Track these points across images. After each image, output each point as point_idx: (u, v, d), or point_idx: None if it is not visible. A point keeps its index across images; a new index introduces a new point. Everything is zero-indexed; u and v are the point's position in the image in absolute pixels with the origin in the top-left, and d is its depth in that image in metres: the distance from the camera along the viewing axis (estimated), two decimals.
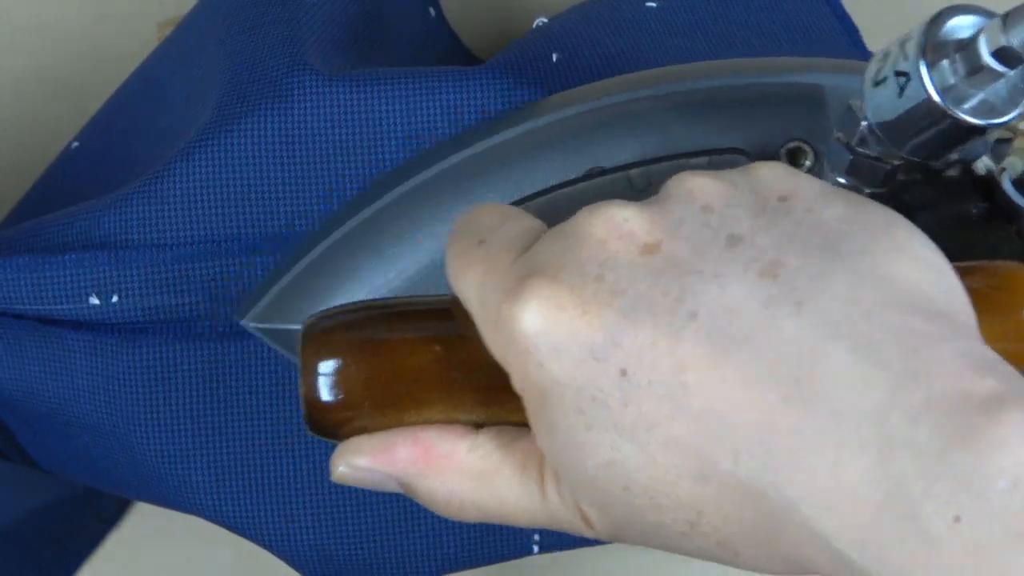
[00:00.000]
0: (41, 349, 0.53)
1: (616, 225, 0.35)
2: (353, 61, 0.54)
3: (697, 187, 0.36)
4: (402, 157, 0.52)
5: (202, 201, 0.52)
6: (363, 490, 0.54)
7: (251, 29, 0.54)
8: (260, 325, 0.51)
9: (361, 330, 0.39)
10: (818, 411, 0.32)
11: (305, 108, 0.52)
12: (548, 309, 0.35)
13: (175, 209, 0.52)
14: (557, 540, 0.55)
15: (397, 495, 0.54)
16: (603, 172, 0.49)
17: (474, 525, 0.55)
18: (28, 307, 0.52)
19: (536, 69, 0.53)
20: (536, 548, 0.55)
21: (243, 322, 0.52)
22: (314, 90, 0.52)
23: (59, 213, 0.53)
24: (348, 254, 0.51)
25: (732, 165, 0.47)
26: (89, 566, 0.66)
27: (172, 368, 0.52)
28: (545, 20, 0.57)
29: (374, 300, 0.42)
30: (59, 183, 0.59)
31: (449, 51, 0.64)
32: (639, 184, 0.49)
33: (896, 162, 0.44)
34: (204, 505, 0.53)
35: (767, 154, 0.48)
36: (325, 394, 0.39)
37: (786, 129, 0.49)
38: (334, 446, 0.53)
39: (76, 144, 0.60)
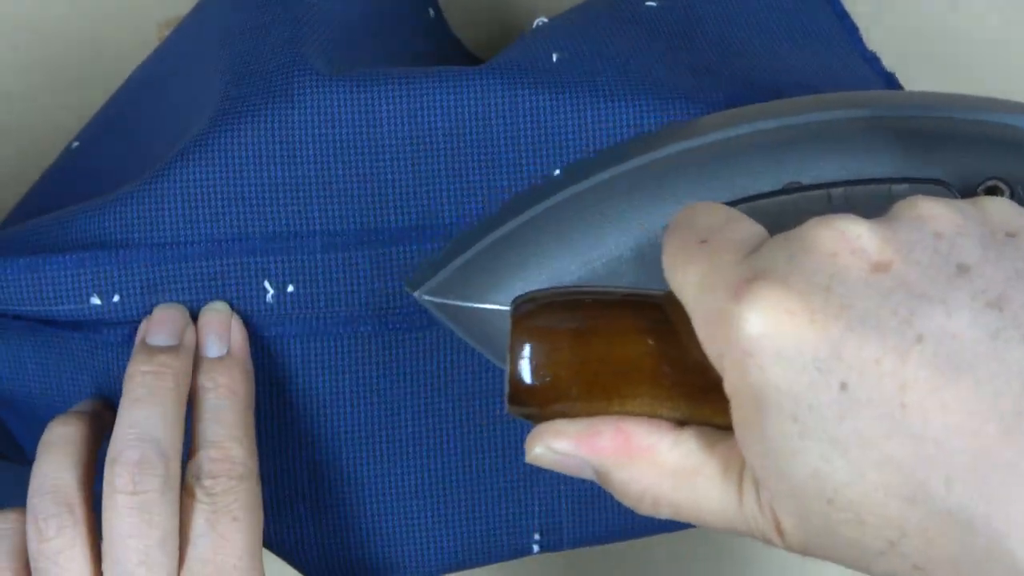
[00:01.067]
0: (42, 350, 0.53)
1: (848, 240, 0.36)
2: (353, 61, 0.54)
3: (929, 213, 0.36)
4: (402, 156, 0.52)
5: (203, 200, 0.52)
6: (362, 490, 0.54)
7: (251, 29, 0.54)
8: (435, 299, 0.51)
9: (575, 315, 0.40)
10: None
11: (305, 108, 0.52)
12: (776, 313, 0.35)
13: (176, 208, 0.52)
14: (557, 540, 0.55)
15: (397, 494, 0.54)
16: (801, 188, 0.49)
17: (474, 524, 0.55)
18: (28, 308, 0.52)
19: (536, 69, 0.53)
20: (536, 548, 0.55)
21: (416, 294, 0.51)
22: (314, 90, 0.52)
23: (59, 212, 0.53)
24: (535, 237, 0.50)
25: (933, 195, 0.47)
26: None
27: None
28: (545, 20, 0.57)
29: (585, 286, 0.42)
30: (59, 183, 0.59)
31: (449, 51, 0.64)
32: (838, 203, 0.49)
33: None
34: None
35: (965, 190, 0.48)
36: (533, 375, 0.39)
37: (984, 166, 0.49)
38: (333, 447, 0.54)
39: (76, 144, 0.60)
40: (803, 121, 0.50)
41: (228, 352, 0.51)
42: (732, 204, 0.49)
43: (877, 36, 0.57)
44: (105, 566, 0.47)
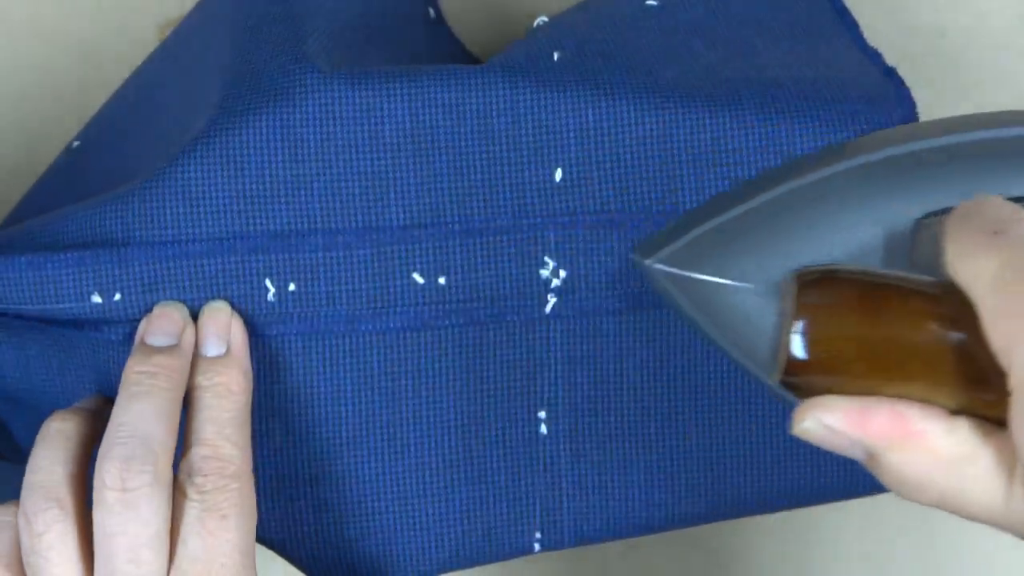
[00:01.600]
0: (43, 348, 0.53)
1: None
2: (353, 61, 0.54)
3: None
4: (403, 154, 0.52)
5: (204, 199, 0.52)
6: (363, 488, 0.54)
7: (252, 28, 0.54)
8: (669, 269, 0.50)
9: (861, 293, 0.40)
10: None
11: (306, 105, 0.52)
12: None
13: (177, 207, 0.52)
14: (558, 539, 0.55)
15: (397, 492, 0.54)
16: None
17: (475, 523, 0.55)
18: (29, 306, 0.52)
19: (537, 67, 0.53)
20: (538, 546, 0.55)
21: (648, 262, 0.50)
22: (315, 87, 0.52)
23: (60, 211, 0.53)
24: (776, 217, 0.50)
25: None
26: None
27: None
28: (546, 19, 0.57)
29: (865, 266, 0.42)
30: (59, 182, 0.59)
31: (449, 51, 0.64)
32: None
33: None
34: None
35: None
36: (813, 347, 0.39)
37: None
38: (333, 445, 0.53)
39: (77, 143, 0.60)
40: None
41: (227, 351, 0.51)
42: None
43: (878, 34, 0.57)
44: (96, 563, 0.47)
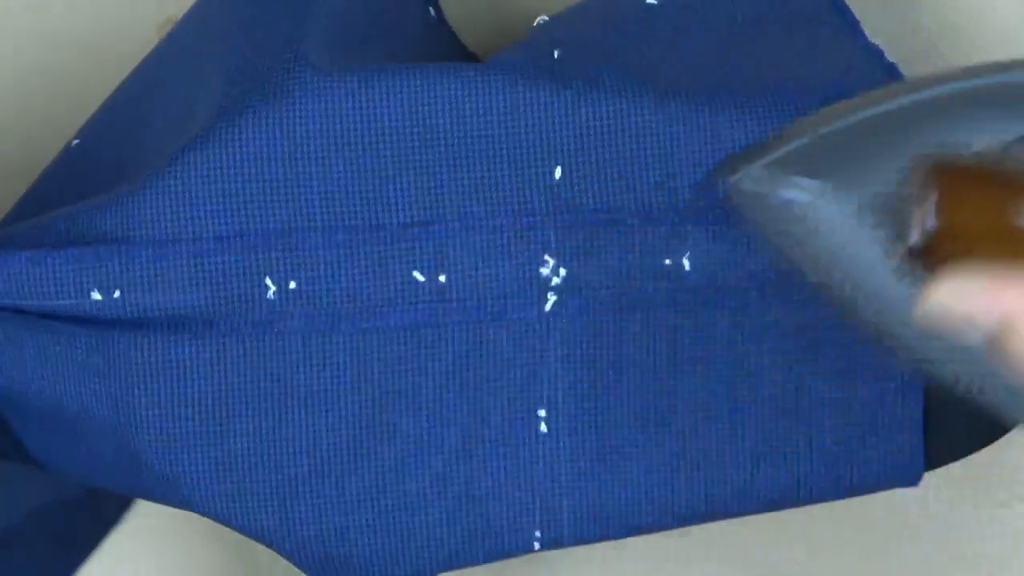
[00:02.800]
0: (43, 344, 0.53)
1: None
2: (353, 60, 0.54)
3: None
4: (403, 152, 0.52)
5: (204, 197, 0.52)
6: (362, 486, 0.54)
7: (251, 26, 0.54)
8: (757, 188, 0.45)
9: (995, 173, 0.41)
10: None
11: (306, 103, 0.52)
12: None
13: (177, 205, 0.52)
14: (558, 537, 0.55)
15: (397, 490, 0.54)
16: None
17: (475, 521, 0.54)
18: (30, 302, 0.52)
19: (538, 65, 0.53)
20: (537, 545, 0.55)
21: (734, 180, 0.45)
22: (315, 85, 0.52)
23: (61, 210, 0.53)
24: (899, 128, 0.46)
25: None
26: (89, 566, 0.66)
27: (175, 364, 0.52)
28: (546, 18, 0.57)
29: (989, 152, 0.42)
30: (60, 180, 0.59)
31: (449, 51, 0.64)
32: None
33: None
34: (204, 500, 0.53)
35: None
36: (944, 225, 0.40)
37: None
38: (333, 442, 0.53)
39: (77, 142, 0.60)
40: None
41: None
42: None
43: (879, 33, 0.57)
44: None
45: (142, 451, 0.52)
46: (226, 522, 0.54)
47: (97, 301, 0.51)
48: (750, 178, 0.45)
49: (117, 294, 0.51)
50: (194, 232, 0.52)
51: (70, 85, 0.66)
